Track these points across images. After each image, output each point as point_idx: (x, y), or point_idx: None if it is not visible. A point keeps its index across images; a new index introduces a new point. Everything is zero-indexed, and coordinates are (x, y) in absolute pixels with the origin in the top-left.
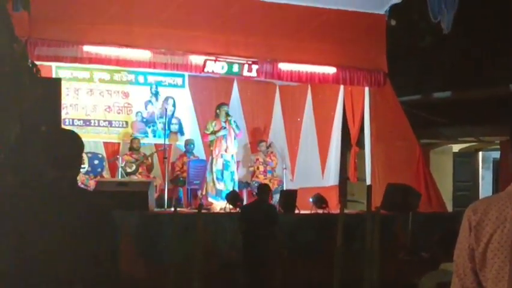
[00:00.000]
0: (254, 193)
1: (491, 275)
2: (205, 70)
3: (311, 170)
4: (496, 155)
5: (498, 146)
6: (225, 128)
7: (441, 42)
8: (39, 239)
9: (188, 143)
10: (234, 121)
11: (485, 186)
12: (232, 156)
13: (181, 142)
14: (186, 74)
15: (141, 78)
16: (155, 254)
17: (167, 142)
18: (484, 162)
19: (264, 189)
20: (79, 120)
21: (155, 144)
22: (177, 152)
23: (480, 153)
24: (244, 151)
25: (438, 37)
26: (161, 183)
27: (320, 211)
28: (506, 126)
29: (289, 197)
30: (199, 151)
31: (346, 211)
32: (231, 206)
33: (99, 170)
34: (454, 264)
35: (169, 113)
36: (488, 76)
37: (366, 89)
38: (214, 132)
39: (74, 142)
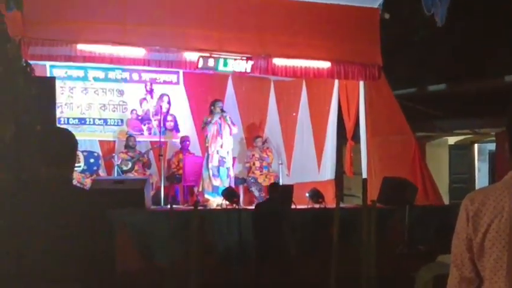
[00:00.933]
0: (250, 189)
1: (490, 264)
2: (199, 67)
3: (307, 164)
4: (492, 147)
5: (494, 138)
6: (219, 123)
7: (436, 35)
8: (35, 237)
9: (184, 140)
10: (229, 117)
11: (481, 179)
12: (228, 152)
13: (176, 139)
14: (181, 71)
15: (135, 76)
16: (152, 251)
17: (162, 139)
18: (479, 155)
19: (274, 188)
20: (74, 119)
21: (151, 142)
22: (173, 149)
23: (476, 145)
24: (240, 147)
25: (433, 30)
26: (158, 181)
27: (317, 206)
28: (502, 118)
29: (286, 192)
30: (195, 148)
31: (342, 205)
32: (227, 202)
33: (95, 168)
34: (451, 254)
35: (164, 110)
36: (483, 68)
37: (361, 83)
38: (209, 122)
39: (67, 140)
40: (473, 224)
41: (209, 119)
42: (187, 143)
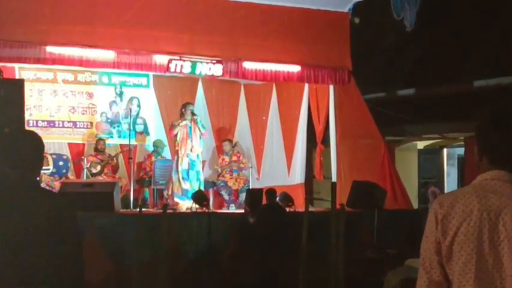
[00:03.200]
0: (219, 192)
1: (458, 267)
2: (170, 70)
3: (277, 168)
4: (461, 151)
5: (462, 143)
6: (189, 126)
7: (405, 40)
8: (1, 240)
9: (159, 145)
10: (200, 120)
11: (450, 183)
12: (197, 155)
13: (148, 142)
14: (151, 73)
15: (105, 79)
16: (121, 254)
17: (133, 142)
18: (448, 159)
19: (272, 193)
20: (43, 121)
21: (121, 145)
22: (142, 152)
23: (445, 149)
24: (211, 150)
25: (402, 34)
26: (127, 184)
27: (287, 209)
28: (471, 122)
29: (256, 196)
30: (164, 150)
31: (312, 209)
32: (197, 206)
33: (64, 171)
34: (420, 257)
35: (133, 113)
36: (452, 73)
37: (331, 87)
38: (177, 125)
39: (34, 143)
40: (442, 227)
41: (178, 122)
42: (162, 149)
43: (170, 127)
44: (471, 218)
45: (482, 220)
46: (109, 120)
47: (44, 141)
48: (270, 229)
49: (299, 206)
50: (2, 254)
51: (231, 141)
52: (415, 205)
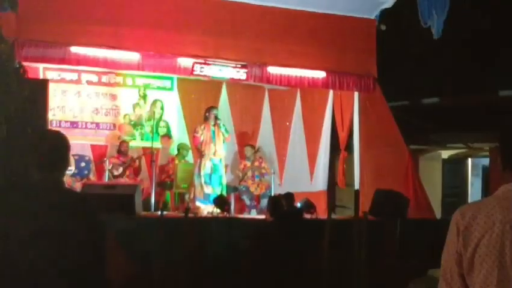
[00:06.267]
0: (241, 197)
1: (479, 279)
2: (194, 73)
3: (300, 174)
4: (486, 162)
5: (487, 153)
6: (213, 130)
7: (431, 48)
8: (24, 241)
9: (183, 148)
10: (223, 125)
11: (474, 193)
12: (220, 159)
13: (172, 145)
14: (175, 76)
15: (129, 81)
16: (141, 257)
17: (155, 145)
18: (473, 169)
19: (291, 197)
20: (66, 122)
21: (143, 148)
22: (165, 155)
23: (469, 159)
24: (233, 155)
25: (429, 43)
26: (149, 187)
27: (308, 216)
28: (496, 133)
29: (277, 202)
30: (188, 154)
31: (334, 216)
32: (218, 210)
33: (86, 172)
34: (441, 268)
35: (157, 115)
36: (478, 82)
37: (356, 94)
38: (201, 131)
39: (60, 143)
40: (463, 238)
41: (202, 126)
42: (186, 152)
43: (193, 137)
44: (493, 230)
45: (505, 232)
46: (132, 123)
47: None
48: (290, 232)
49: (321, 213)
50: (23, 254)
51: (252, 146)
52: (438, 215)
